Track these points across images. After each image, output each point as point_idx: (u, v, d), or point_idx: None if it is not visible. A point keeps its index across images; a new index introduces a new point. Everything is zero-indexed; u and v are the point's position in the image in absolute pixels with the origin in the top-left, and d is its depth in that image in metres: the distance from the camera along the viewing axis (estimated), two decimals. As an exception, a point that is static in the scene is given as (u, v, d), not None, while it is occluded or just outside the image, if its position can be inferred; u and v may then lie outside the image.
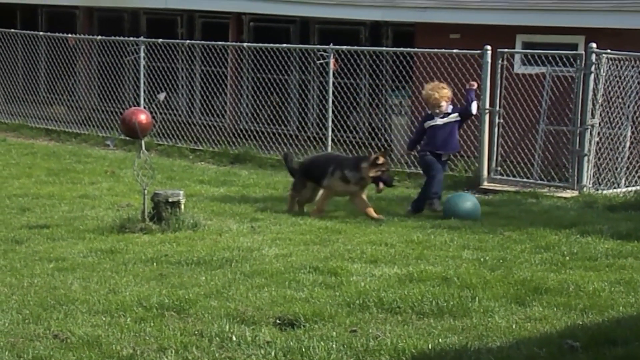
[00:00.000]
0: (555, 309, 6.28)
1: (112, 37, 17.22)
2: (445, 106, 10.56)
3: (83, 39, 18.27)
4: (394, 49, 14.77)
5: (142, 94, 16.29)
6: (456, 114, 10.59)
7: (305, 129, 16.21)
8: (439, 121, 10.52)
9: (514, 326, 5.90)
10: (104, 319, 6.02)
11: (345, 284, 6.87)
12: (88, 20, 19.72)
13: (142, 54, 16.28)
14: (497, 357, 5.22)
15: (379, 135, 14.86)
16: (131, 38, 17.02)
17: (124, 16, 19.40)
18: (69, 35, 18.21)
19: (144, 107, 15.03)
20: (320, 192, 10.38)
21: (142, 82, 16.31)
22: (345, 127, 14.55)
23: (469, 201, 10.22)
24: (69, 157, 14.54)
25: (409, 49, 14.29)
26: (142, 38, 16.82)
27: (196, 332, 5.74)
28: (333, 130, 14.28)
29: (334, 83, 14.24)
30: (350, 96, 14.76)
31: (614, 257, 7.95)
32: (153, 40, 16.62)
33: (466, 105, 10.67)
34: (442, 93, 10.55)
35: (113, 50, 17.22)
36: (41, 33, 18.79)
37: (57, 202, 10.56)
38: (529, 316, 6.13)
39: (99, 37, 17.62)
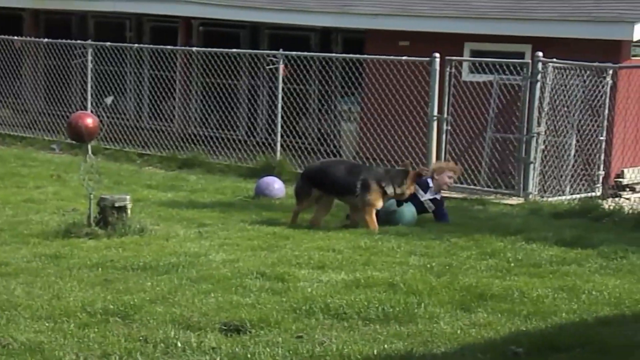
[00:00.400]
0: (499, 315, 6.33)
1: (59, 40, 17.03)
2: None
3: (29, 41, 18.05)
4: (344, 55, 14.81)
5: (89, 97, 16.13)
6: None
7: (255, 134, 16.18)
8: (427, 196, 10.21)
9: (458, 332, 5.94)
10: (47, 324, 5.94)
11: (292, 290, 6.87)
12: (34, 23, 19.47)
13: (89, 57, 16.14)
14: (441, 363, 5.25)
15: (328, 141, 14.89)
16: (79, 41, 16.86)
17: (71, 19, 19.20)
18: (15, 37, 17.98)
19: (91, 111, 14.90)
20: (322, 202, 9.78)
21: (89, 85, 16.16)
22: (294, 132, 14.55)
23: (407, 208, 10.09)
24: (14, 161, 14.34)
25: (358, 56, 14.34)
26: (89, 41, 16.66)
27: (141, 338, 5.69)
28: (282, 136, 14.28)
29: (283, 89, 14.23)
30: (300, 102, 14.77)
31: (558, 264, 8.05)
32: (101, 43, 16.47)
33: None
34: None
35: (60, 54, 17.03)
36: (-14, 35, 18.53)
37: (1, 206, 10.41)
38: (474, 322, 6.18)
39: (46, 40, 17.42)
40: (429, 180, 10.28)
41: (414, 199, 10.08)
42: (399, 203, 9.89)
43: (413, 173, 9.84)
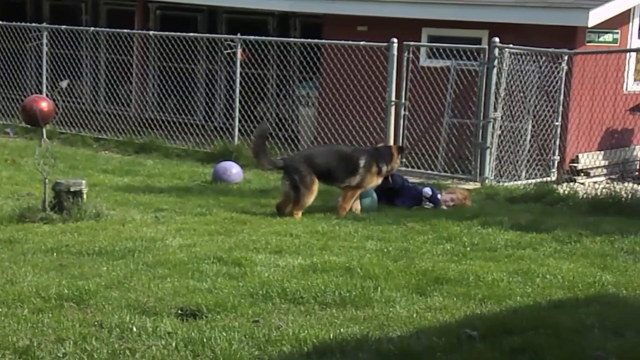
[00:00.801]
0: (455, 299, 6.38)
1: (14, 23, 16.81)
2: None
3: (-17, 24, 17.80)
4: (302, 40, 14.78)
5: (44, 81, 15.95)
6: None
7: (212, 119, 16.11)
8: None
9: (414, 316, 5.98)
10: (0, 310, 5.88)
11: (249, 275, 6.86)
12: (-11, 5, 19.21)
13: (44, 41, 15.94)
14: (397, 347, 5.27)
15: (286, 126, 14.87)
16: (34, 24, 16.65)
17: (26, 1, 18.95)
18: (-31, 19, 17.72)
19: (47, 95, 14.74)
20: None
21: (44, 69, 15.98)
22: (252, 117, 14.51)
23: (367, 197, 10.16)
24: (-33, 145, 14.17)
25: (316, 41, 14.32)
26: (45, 24, 16.46)
27: (96, 323, 5.66)
28: (240, 121, 14.23)
29: (241, 73, 14.17)
30: (258, 87, 14.72)
31: (513, 247, 8.12)
32: (56, 26, 16.29)
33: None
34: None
35: (15, 36, 16.81)
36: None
37: (-46, 191, 10.29)
38: (430, 306, 6.22)
39: (0, 22, 17.18)
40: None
41: (409, 189, 10.32)
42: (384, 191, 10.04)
43: (396, 147, 10.17)
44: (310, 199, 9.60)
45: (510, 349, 5.25)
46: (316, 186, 9.61)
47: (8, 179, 11.27)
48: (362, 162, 9.71)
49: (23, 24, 16.78)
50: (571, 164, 13.69)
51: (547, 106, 12.96)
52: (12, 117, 16.27)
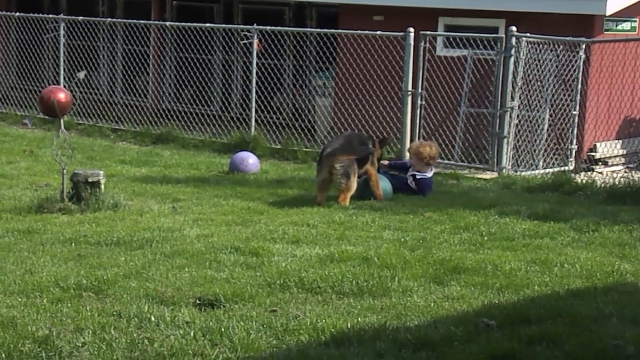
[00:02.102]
0: (472, 288, 6.38)
1: (31, 14, 16.86)
2: (417, 166, 10.36)
3: (1, 15, 17.86)
4: (318, 30, 14.76)
5: (62, 72, 16.00)
6: (416, 186, 10.32)
7: (229, 109, 16.12)
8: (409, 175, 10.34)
9: (432, 305, 5.98)
10: (19, 299, 5.92)
11: (267, 265, 6.88)
12: (6, -3, 19.28)
13: (62, 32, 15.98)
14: (414, 336, 5.28)
15: (303, 116, 14.86)
16: (51, 15, 16.69)
17: (43, -7, 19.01)
18: (-14, 11, 17.79)
19: (64, 86, 14.79)
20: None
21: (62, 60, 16.03)
22: (268, 108, 14.51)
23: (381, 182, 10.15)
24: (-14, 136, 14.24)
25: (332, 30, 14.30)
26: (62, 15, 16.50)
27: (114, 313, 5.69)
28: (257, 111, 14.23)
29: (257, 64, 14.17)
30: (274, 77, 14.71)
31: (531, 237, 8.10)
32: (73, 17, 16.32)
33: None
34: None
35: (32, 28, 16.87)
36: (-43, 9, 18.33)
37: (-27, 182, 10.35)
38: (447, 295, 6.22)
39: (18, 13, 17.24)
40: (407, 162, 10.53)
41: (399, 178, 10.30)
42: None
43: (378, 140, 10.49)
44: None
45: (528, 338, 5.25)
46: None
47: (26, 170, 11.33)
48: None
49: (40, 15, 16.83)
50: (589, 153, 13.63)
51: (564, 95, 12.90)
52: (30, 108, 16.34)
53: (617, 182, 10.60)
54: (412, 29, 12.79)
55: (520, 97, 12.50)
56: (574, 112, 12.95)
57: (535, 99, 12.71)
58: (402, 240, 7.86)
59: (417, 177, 10.35)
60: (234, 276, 6.52)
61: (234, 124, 14.66)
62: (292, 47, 15.73)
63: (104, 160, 12.32)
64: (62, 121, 9.16)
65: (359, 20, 14.51)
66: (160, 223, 8.33)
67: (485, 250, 7.53)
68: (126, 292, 6.09)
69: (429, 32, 12.93)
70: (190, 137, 14.52)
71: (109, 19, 16.74)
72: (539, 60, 12.63)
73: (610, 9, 13.06)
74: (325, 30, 14.31)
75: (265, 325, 5.50)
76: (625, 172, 12.46)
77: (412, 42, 12.77)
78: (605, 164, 13.61)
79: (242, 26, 15.08)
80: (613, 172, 13.02)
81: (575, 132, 12.98)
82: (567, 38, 12.55)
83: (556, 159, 12.84)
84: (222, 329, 5.40)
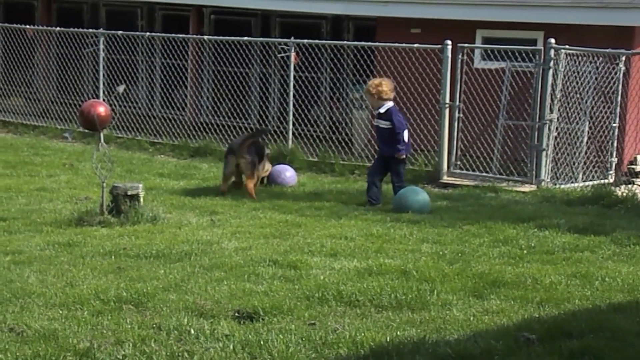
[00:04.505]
0: (512, 302, 6.33)
1: (71, 29, 17.06)
2: (375, 104, 10.49)
3: (41, 30, 18.09)
4: (355, 42, 14.78)
5: (101, 86, 16.15)
6: (388, 122, 10.44)
7: (266, 122, 16.18)
8: (375, 121, 10.56)
9: (471, 319, 5.94)
10: (60, 312, 5.97)
11: (305, 278, 6.88)
12: (47, 12, 19.51)
13: (101, 46, 16.15)
14: (454, 350, 5.25)
15: (340, 129, 14.87)
16: (90, 30, 16.87)
17: (83, 7, 19.22)
18: (27, 26, 18.01)
19: (103, 100, 14.91)
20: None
21: (101, 74, 16.18)
22: (306, 120, 14.54)
23: (419, 195, 10.18)
24: (26, 150, 14.39)
25: (369, 43, 14.31)
26: (101, 30, 16.68)
27: (154, 326, 5.71)
28: (294, 124, 14.27)
29: (295, 77, 14.22)
30: (311, 90, 14.75)
31: (571, 250, 8.03)
32: (112, 32, 16.49)
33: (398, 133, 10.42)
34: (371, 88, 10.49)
35: (72, 42, 17.06)
36: (-1, 24, 18.58)
37: (15, 195, 10.46)
38: (487, 309, 6.17)
39: (58, 28, 17.45)
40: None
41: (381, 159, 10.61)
42: None
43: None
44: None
45: (569, 353, 5.20)
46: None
47: (66, 183, 11.43)
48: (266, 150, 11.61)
49: (80, 30, 17.01)
50: (629, 166, 13.50)
51: (604, 107, 12.80)
52: (70, 122, 16.50)
53: (658, 195, 10.49)
54: (449, 42, 12.77)
55: (559, 110, 12.42)
56: (614, 125, 12.84)
57: (575, 111, 12.62)
58: (441, 253, 7.83)
59: (381, 112, 10.43)
60: (272, 289, 6.53)
61: (271, 137, 14.70)
62: (329, 60, 15.76)
63: (142, 174, 12.40)
64: (101, 135, 9.23)
65: (397, 33, 14.51)
66: (198, 236, 8.37)
67: (525, 264, 7.48)
68: (165, 305, 6.11)
69: (466, 45, 12.90)
70: (228, 150, 14.54)
71: (148, 33, 16.88)
72: (578, 73, 12.54)
73: (651, 21, 12.95)
74: (363, 43, 14.33)
75: (304, 339, 5.50)
76: (666, 184, 12.33)
77: (449, 54, 12.74)
78: (646, 176, 13.48)
79: (279, 39, 15.15)
80: (654, 185, 12.88)
81: (615, 144, 12.87)
82: (607, 50, 12.45)
83: (596, 172, 12.73)
84: (261, 342, 5.40)
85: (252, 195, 10.68)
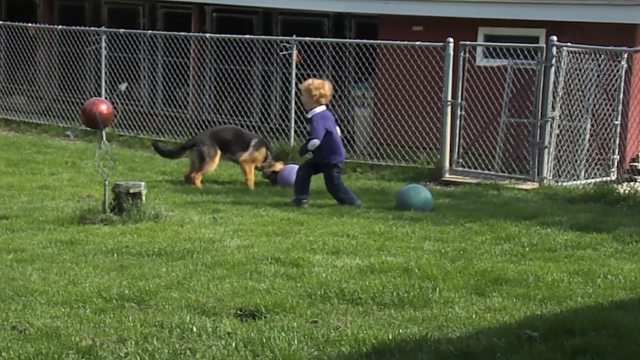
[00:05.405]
0: (514, 300, 6.33)
1: (73, 27, 17.06)
2: (309, 106, 10.41)
3: (43, 28, 18.09)
4: (357, 40, 14.78)
5: (103, 84, 16.17)
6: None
7: (268, 120, 16.18)
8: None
9: (473, 316, 5.94)
10: (63, 310, 5.97)
11: (307, 275, 6.87)
12: (49, 10, 19.51)
13: (103, 44, 16.16)
14: (456, 348, 5.25)
15: (342, 127, 14.85)
16: (92, 28, 16.87)
17: (85, 6, 19.23)
18: (29, 24, 18.02)
19: (105, 98, 14.93)
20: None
21: (103, 72, 16.19)
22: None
23: (421, 193, 10.17)
24: (28, 148, 14.40)
25: (371, 41, 14.31)
26: (103, 28, 16.68)
27: (156, 323, 5.71)
28: (296, 122, 14.27)
29: (296, 74, 14.22)
30: (313, 88, 14.71)
31: (573, 248, 8.03)
32: (114, 30, 16.49)
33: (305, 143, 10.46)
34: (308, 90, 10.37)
35: (74, 40, 17.07)
36: (0, 22, 18.57)
37: (17, 193, 10.46)
38: (489, 307, 6.17)
39: (60, 26, 17.45)
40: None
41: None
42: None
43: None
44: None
45: (571, 350, 5.20)
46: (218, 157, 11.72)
47: (69, 181, 11.44)
48: (253, 142, 11.84)
49: (82, 28, 17.02)
50: (632, 163, 13.50)
51: (606, 105, 12.80)
52: (72, 120, 16.51)
53: (660, 193, 10.49)
54: (451, 39, 12.77)
55: (561, 107, 12.41)
56: (616, 122, 12.83)
57: (577, 108, 12.62)
58: (443, 251, 7.83)
59: (308, 116, 10.39)
60: (274, 287, 6.53)
61: (273, 135, 14.71)
62: (331, 58, 15.76)
63: (144, 172, 12.41)
64: (104, 133, 9.23)
65: (399, 30, 14.51)
66: (201, 234, 8.37)
67: (527, 261, 7.48)
68: (168, 303, 6.12)
69: (468, 42, 12.90)
70: (230, 148, 14.53)
71: (150, 31, 16.88)
72: (580, 70, 12.54)
73: (653, 18, 12.94)
74: (365, 40, 14.33)
75: (306, 336, 5.50)
76: (669, 182, 12.32)
77: (451, 52, 12.74)
78: (648, 174, 13.47)
79: (281, 37, 15.15)
80: (656, 182, 12.86)
81: (617, 142, 12.87)
82: (609, 47, 12.45)
83: (598, 169, 12.73)
84: (264, 340, 5.40)
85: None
